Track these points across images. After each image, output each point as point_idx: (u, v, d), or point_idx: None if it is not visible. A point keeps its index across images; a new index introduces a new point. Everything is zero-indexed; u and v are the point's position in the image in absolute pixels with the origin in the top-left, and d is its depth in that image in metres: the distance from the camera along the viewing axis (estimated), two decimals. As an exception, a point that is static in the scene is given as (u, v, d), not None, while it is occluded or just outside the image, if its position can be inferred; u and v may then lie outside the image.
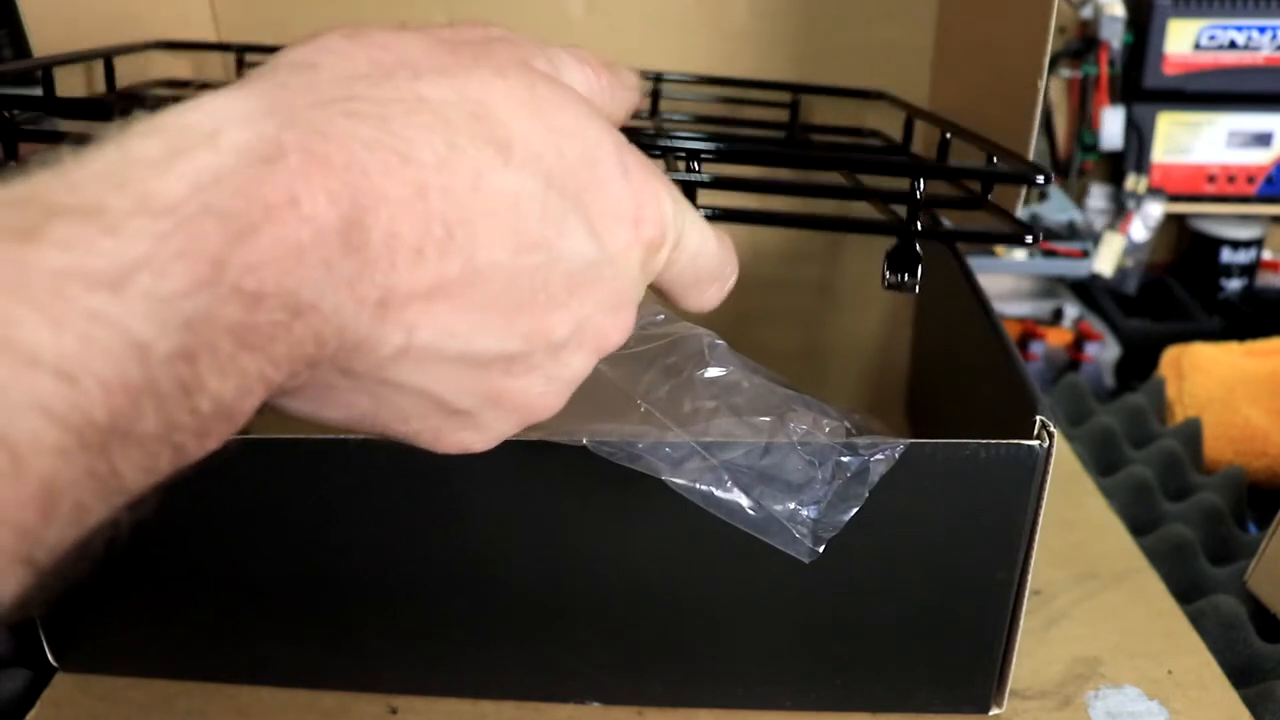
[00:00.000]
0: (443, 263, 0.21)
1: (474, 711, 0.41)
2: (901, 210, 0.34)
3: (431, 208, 0.21)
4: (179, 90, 0.50)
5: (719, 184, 0.33)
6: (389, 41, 0.23)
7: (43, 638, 0.42)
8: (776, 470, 0.33)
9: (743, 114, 0.56)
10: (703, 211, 0.32)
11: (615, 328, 0.26)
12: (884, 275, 0.34)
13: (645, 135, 0.33)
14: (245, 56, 0.52)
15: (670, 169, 0.35)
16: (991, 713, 0.40)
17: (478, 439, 0.26)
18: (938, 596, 0.37)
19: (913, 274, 0.33)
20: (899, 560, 0.36)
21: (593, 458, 0.33)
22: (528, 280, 0.23)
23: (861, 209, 0.37)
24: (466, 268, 0.22)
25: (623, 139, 0.25)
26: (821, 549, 0.33)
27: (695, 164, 0.33)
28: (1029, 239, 0.33)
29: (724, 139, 0.51)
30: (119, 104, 0.41)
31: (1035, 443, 0.34)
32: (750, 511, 0.33)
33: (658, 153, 0.34)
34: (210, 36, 0.56)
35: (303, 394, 0.22)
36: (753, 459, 0.33)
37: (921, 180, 0.33)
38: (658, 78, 0.55)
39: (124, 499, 0.18)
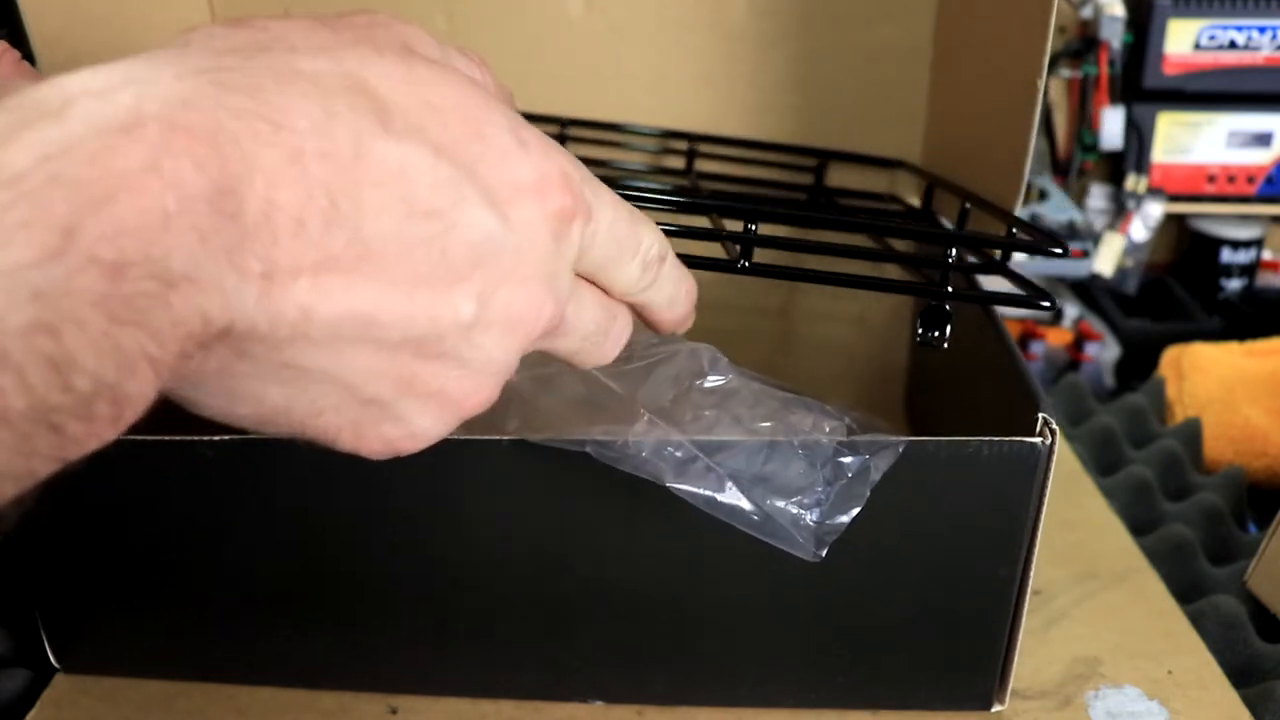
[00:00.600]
0: (328, 234, 0.20)
1: (474, 711, 0.41)
2: (924, 272, 0.37)
3: (310, 175, 0.20)
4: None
5: (770, 242, 0.36)
6: (268, 24, 0.23)
7: (44, 639, 0.42)
8: (778, 473, 0.33)
9: (771, 175, 0.58)
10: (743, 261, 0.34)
11: (528, 303, 0.24)
12: (916, 332, 0.36)
13: (697, 196, 0.34)
14: None
15: (714, 224, 0.37)
16: (994, 709, 0.40)
17: (401, 434, 0.25)
18: (940, 594, 0.37)
19: (943, 332, 0.36)
20: (902, 558, 0.37)
21: (595, 459, 0.33)
22: (423, 252, 0.22)
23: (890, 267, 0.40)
24: (355, 239, 0.21)
25: (516, 115, 0.25)
26: (824, 552, 0.33)
27: (753, 225, 0.35)
28: (1045, 303, 0.36)
29: (759, 200, 0.54)
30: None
31: (1038, 440, 0.34)
32: (753, 515, 0.33)
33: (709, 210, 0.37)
34: (205, 17, 0.56)
35: (208, 386, 0.22)
36: (754, 463, 0.33)
37: (954, 249, 0.35)
38: (693, 138, 0.57)
39: (4, 486, 0.18)
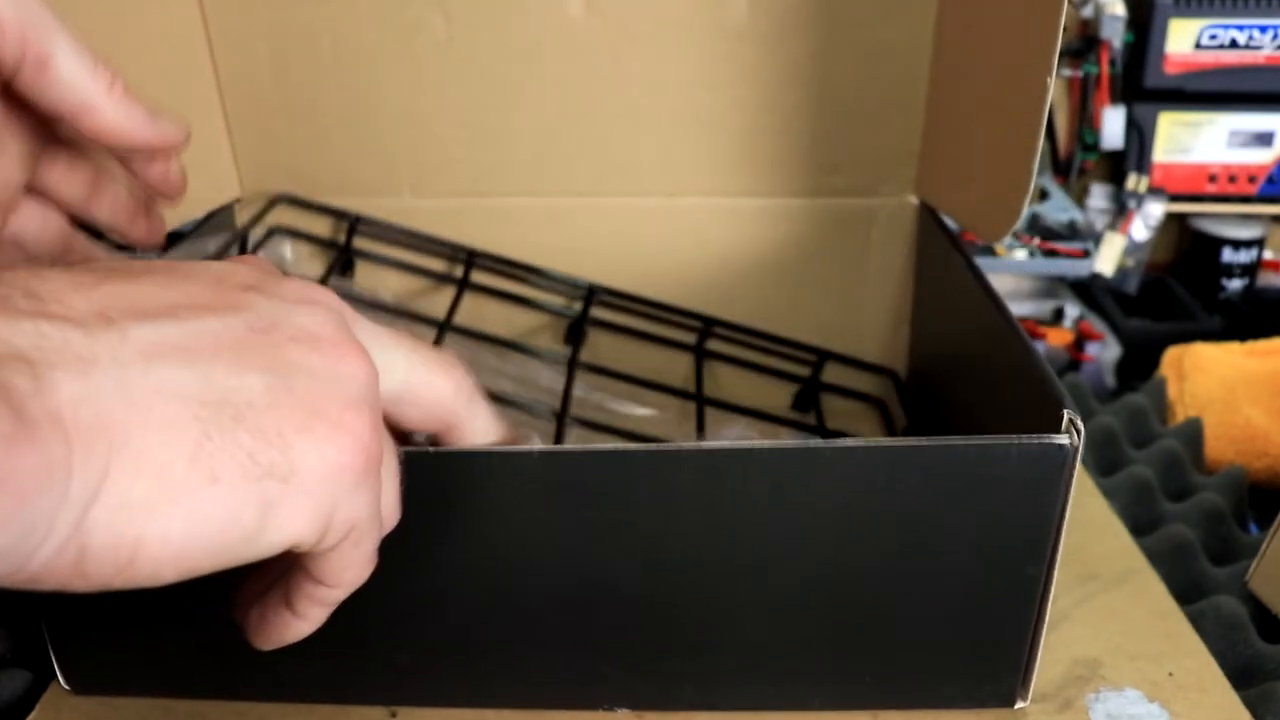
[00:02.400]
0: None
1: (474, 715, 0.41)
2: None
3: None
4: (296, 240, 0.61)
5: None
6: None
7: (52, 659, 0.41)
8: None
9: (773, 364, 0.62)
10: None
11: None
12: None
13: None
14: (357, 225, 0.60)
15: None
16: (1016, 707, 0.40)
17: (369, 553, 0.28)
18: (967, 593, 0.37)
19: None
20: (930, 558, 0.37)
21: (611, 465, 0.34)
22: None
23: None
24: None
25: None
26: None
27: None
28: None
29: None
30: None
31: (1065, 439, 0.34)
32: None
33: None
34: (198, 26, 0.56)
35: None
36: None
37: None
38: (708, 322, 0.61)
39: None
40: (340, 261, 0.60)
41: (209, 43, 0.56)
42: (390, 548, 0.37)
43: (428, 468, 0.35)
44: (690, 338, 0.62)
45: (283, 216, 0.61)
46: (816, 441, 0.34)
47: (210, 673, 0.41)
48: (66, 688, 0.42)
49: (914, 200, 0.59)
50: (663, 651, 0.39)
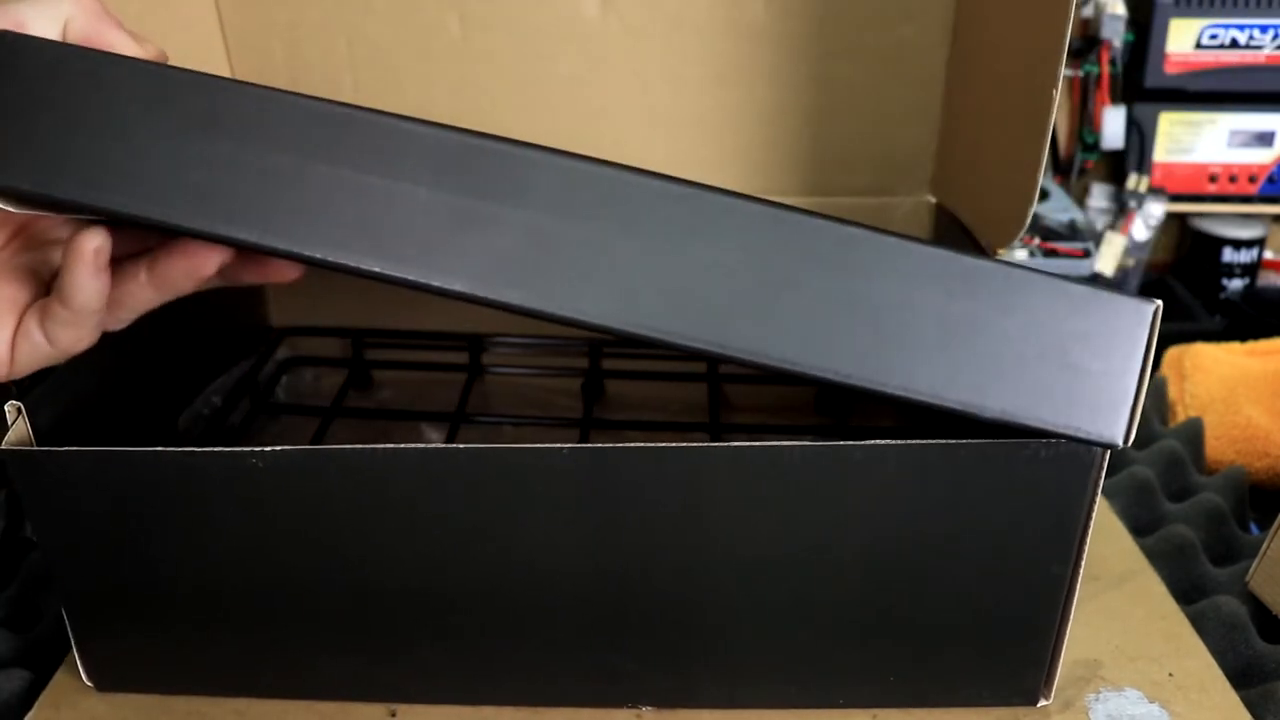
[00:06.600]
0: None
1: (474, 715, 0.41)
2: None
3: None
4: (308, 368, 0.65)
5: None
6: None
7: (78, 662, 0.41)
8: None
9: (792, 399, 0.62)
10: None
11: None
12: None
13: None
14: (363, 339, 0.64)
15: None
16: (1039, 704, 0.40)
17: None
18: (994, 591, 0.38)
19: None
20: (957, 557, 0.37)
21: (639, 463, 0.35)
22: None
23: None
24: None
25: None
26: None
27: None
28: None
29: None
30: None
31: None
32: None
33: None
34: (214, 26, 0.56)
35: None
36: None
37: None
38: (713, 359, 0.60)
39: None
40: (357, 377, 0.63)
41: (225, 42, 0.56)
42: (403, 543, 0.38)
43: (442, 465, 0.36)
44: (702, 366, 0.61)
45: (294, 346, 0.64)
46: (846, 441, 0.34)
47: (210, 671, 0.41)
48: (89, 684, 0.42)
49: (930, 200, 0.59)
50: (687, 649, 0.39)
